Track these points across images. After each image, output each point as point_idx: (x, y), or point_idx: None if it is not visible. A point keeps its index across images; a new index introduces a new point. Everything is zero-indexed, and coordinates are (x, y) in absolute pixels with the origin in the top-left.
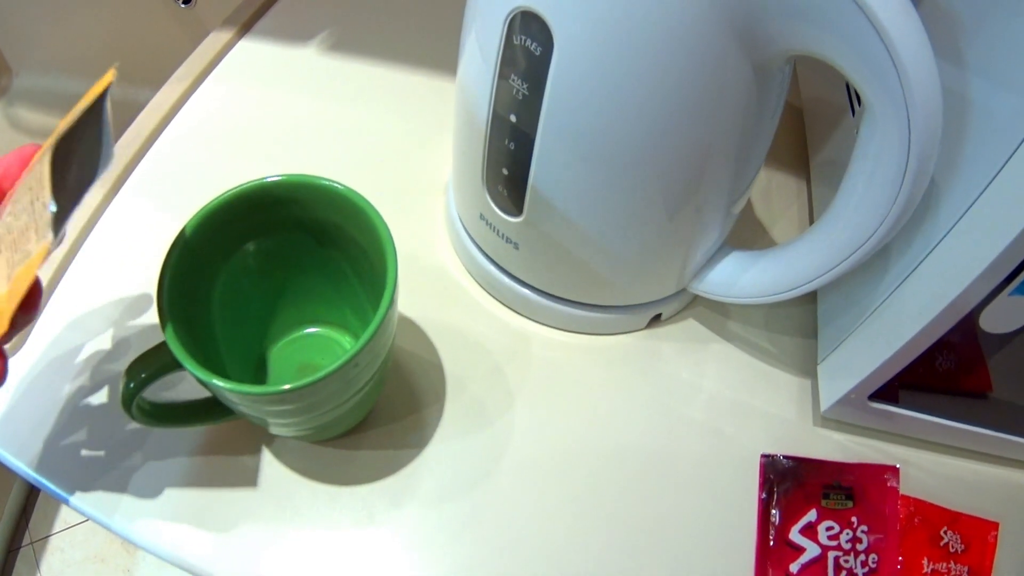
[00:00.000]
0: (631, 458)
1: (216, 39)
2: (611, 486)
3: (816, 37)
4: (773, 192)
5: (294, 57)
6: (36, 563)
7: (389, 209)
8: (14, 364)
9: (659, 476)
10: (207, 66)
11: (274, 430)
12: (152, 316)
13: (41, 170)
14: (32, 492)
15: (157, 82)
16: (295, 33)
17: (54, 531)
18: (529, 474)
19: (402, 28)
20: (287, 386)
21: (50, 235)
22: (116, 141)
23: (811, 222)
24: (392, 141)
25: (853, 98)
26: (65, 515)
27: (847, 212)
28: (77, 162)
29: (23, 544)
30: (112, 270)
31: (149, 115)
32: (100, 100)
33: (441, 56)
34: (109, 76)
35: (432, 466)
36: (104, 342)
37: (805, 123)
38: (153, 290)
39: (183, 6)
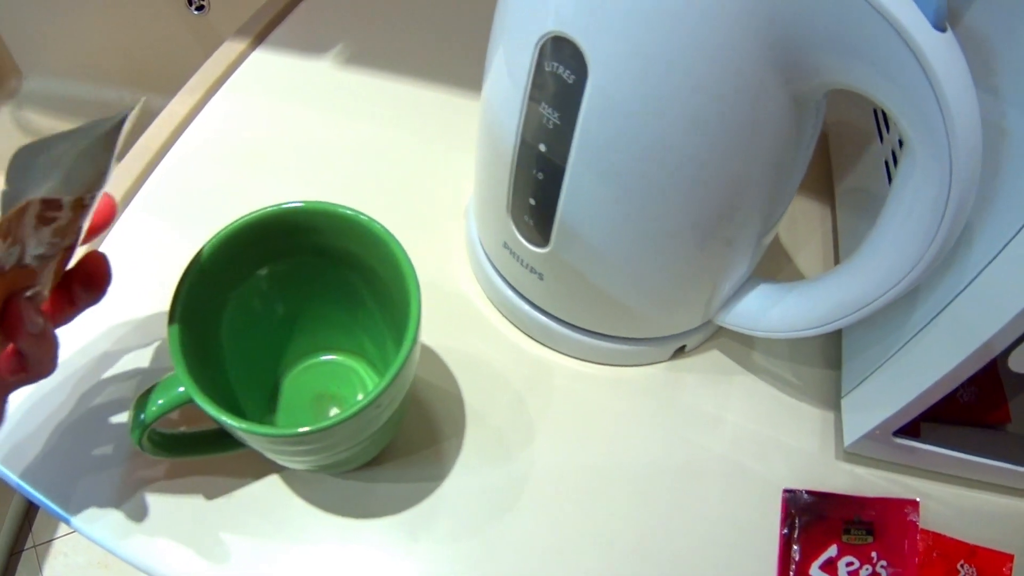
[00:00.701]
0: (653, 492)
1: (229, 49)
2: (632, 521)
3: (860, 72)
4: (797, 218)
5: (309, 70)
6: (39, 566)
7: (406, 232)
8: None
9: (681, 510)
10: (219, 77)
11: (285, 464)
12: (160, 334)
13: None
14: None
15: (168, 89)
16: (311, 45)
17: (57, 535)
18: (549, 509)
19: (422, 42)
20: (303, 429)
21: None
22: (118, 160)
23: (836, 250)
24: (409, 160)
25: (881, 125)
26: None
27: (882, 249)
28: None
29: (26, 547)
30: (120, 287)
31: (160, 128)
32: (118, 126)
33: (462, 73)
34: (137, 109)
35: (450, 500)
36: (112, 361)
37: (830, 148)
38: (161, 309)
39: (195, 13)
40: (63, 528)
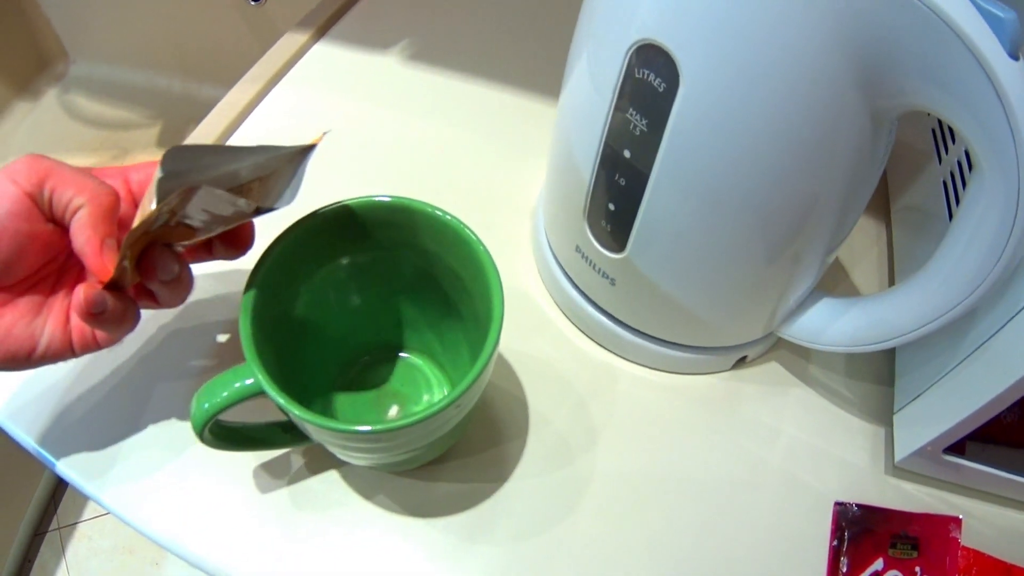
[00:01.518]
0: (709, 500)
1: (290, 40)
2: (688, 528)
3: (937, 95)
4: (854, 234)
5: (372, 64)
6: (62, 549)
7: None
8: (71, 361)
9: (735, 519)
10: (280, 69)
11: (347, 459)
12: (216, 320)
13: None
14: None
15: (219, 79)
16: (374, 39)
17: (83, 518)
18: (607, 515)
19: (488, 40)
20: (377, 427)
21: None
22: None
23: (891, 267)
24: (474, 159)
25: (940, 146)
26: (95, 503)
27: (944, 270)
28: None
29: (50, 528)
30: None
31: (219, 115)
32: (305, 152)
33: (529, 73)
34: (319, 138)
35: (510, 503)
36: (166, 346)
37: (887, 166)
38: (217, 297)
39: (252, 3)
40: (89, 511)
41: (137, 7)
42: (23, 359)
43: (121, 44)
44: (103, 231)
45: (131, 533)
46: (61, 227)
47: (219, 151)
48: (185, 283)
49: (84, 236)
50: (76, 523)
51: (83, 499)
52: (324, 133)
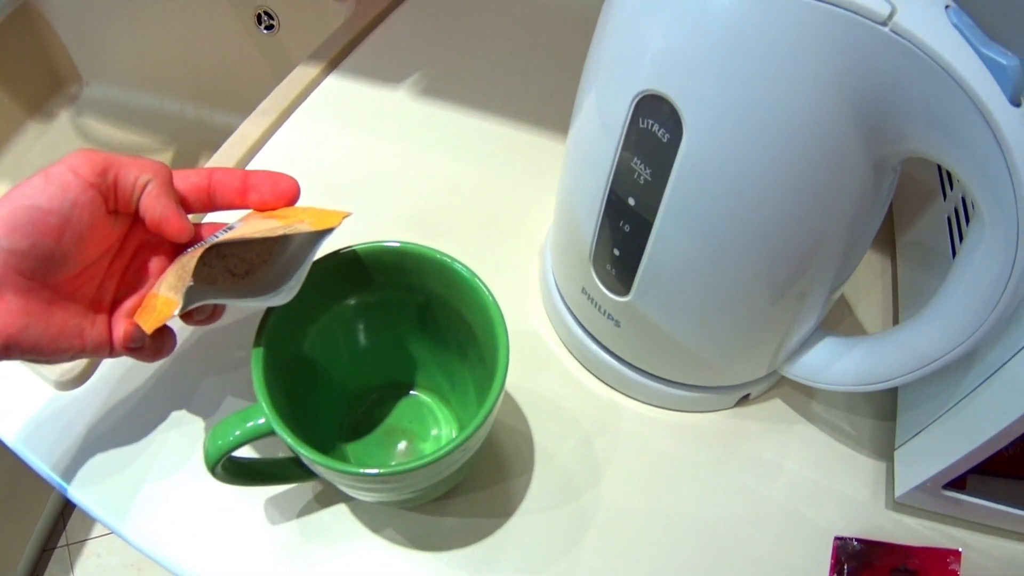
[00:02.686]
0: (711, 536)
1: (302, 73)
2: (689, 563)
3: (938, 142)
4: (859, 268)
5: (383, 99)
6: (71, 565)
7: (478, 268)
8: (86, 392)
9: (737, 555)
10: (292, 102)
11: (356, 496)
12: (231, 351)
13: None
14: None
15: (231, 105)
16: (385, 73)
17: (92, 535)
18: (611, 550)
19: (499, 75)
20: (385, 470)
21: (178, 298)
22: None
23: (895, 302)
24: (483, 196)
25: (945, 183)
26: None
27: (946, 312)
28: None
29: (58, 545)
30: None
31: (232, 147)
32: (320, 235)
33: (539, 111)
34: (340, 218)
35: (516, 538)
36: (181, 373)
37: (893, 201)
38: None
39: (265, 32)
40: (98, 529)
41: (151, 32)
42: (69, 355)
43: (134, 68)
44: (174, 198)
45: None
46: (123, 216)
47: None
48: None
49: (161, 204)
50: (85, 540)
51: (91, 517)
52: (346, 215)
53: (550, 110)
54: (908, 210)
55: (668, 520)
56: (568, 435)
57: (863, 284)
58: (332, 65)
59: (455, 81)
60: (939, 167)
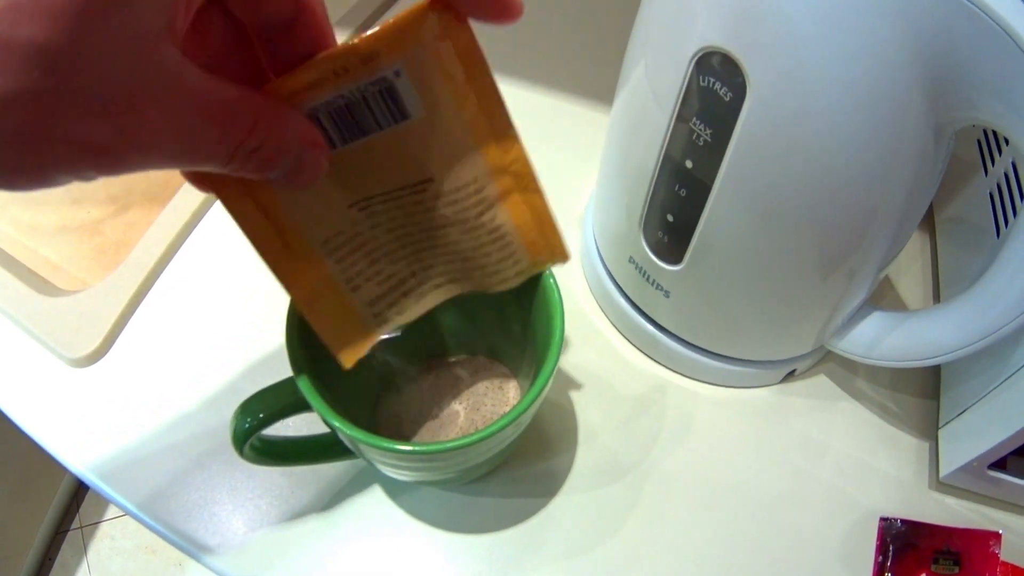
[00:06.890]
0: (757, 514)
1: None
2: (737, 541)
3: (1000, 111)
4: None
5: None
6: (84, 547)
7: None
8: (102, 370)
9: (783, 534)
10: None
11: (393, 475)
12: (251, 332)
13: None
14: None
15: None
16: None
17: (105, 518)
18: (657, 529)
19: (536, 42)
20: (434, 447)
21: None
22: None
23: (935, 278)
24: None
25: (986, 158)
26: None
27: (997, 286)
28: None
29: (71, 527)
30: (216, 287)
31: None
32: None
33: (579, 77)
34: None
35: (560, 518)
36: (194, 350)
37: None
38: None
39: None
40: (111, 511)
41: None
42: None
43: None
44: None
45: (154, 534)
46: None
47: None
48: None
49: None
50: (98, 522)
51: (106, 498)
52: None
53: (591, 76)
54: (947, 184)
55: (714, 498)
56: (612, 412)
57: (903, 261)
58: (363, 28)
59: (490, 48)
60: (979, 143)
